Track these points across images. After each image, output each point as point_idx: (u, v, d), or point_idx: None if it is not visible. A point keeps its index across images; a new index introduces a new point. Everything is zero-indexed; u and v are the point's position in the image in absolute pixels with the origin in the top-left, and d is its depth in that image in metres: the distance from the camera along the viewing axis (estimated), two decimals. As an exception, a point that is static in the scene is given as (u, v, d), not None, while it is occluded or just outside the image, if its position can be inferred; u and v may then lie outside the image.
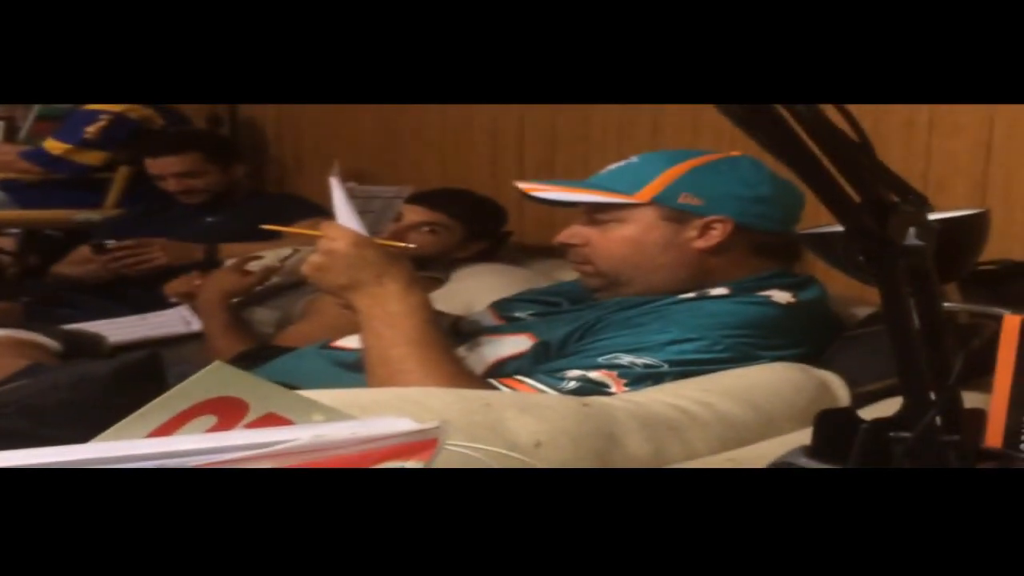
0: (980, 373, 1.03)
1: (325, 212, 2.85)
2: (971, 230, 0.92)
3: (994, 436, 0.98)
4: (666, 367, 1.46)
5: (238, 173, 3.28)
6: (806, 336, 1.59)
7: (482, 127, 3.03)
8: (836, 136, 0.68)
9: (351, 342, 1.70)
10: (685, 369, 1.46)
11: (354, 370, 1.61)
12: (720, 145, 2.08)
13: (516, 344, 1.63)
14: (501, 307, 1.85)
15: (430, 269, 2.38)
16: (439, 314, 1.70)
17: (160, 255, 2.95)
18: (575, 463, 1.18)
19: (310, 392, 0.91)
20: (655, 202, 1.61)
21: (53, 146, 3.73)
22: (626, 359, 1.46)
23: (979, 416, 0.91)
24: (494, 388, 1.44)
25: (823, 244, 1.14)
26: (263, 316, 2.53)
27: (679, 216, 1.61)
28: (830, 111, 0.70)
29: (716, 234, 1.61)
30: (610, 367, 1.45)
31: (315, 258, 1.56)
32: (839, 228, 0.86)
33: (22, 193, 3.78)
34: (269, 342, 2.30)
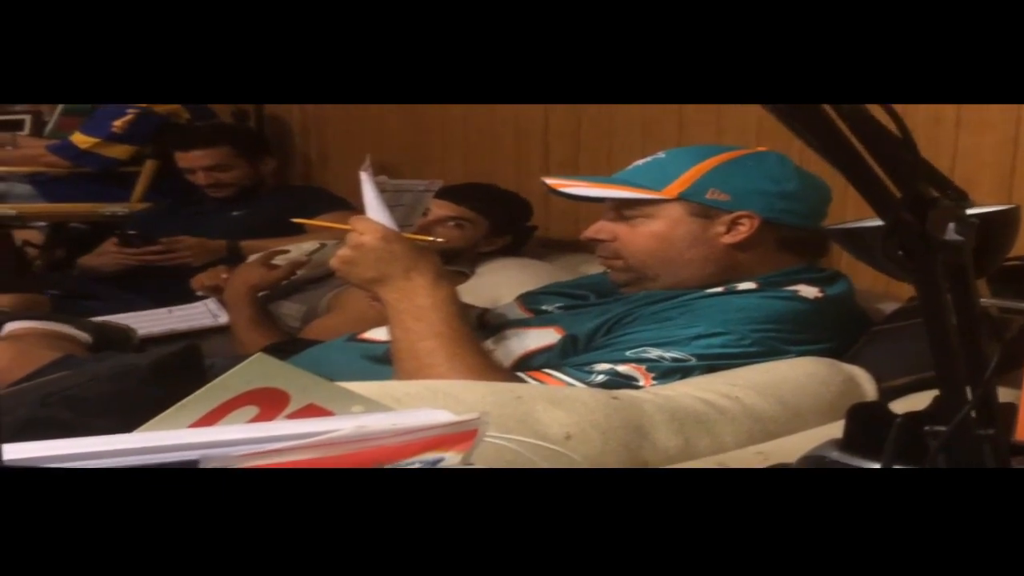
0: (1009, 368, 1.04)
1: (350, 205, 2.88)
2: (1004, 226, 0.92)
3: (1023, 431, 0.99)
4: (694, 361, 1.46)
5: (267, 167, 3.29)
6: (833, 331, 1.59)
7: (507, 122, 3.03)
8: (878, 131, 0.68)
9: (379, 334, 1.72)
10: (712, 363, 1.47)
11: (382, 362, 1.62)
12: (745, 142, 2.09)
13: (544, 337, 1.64)
14: (528, 300, 1.86)
15: (456, 263, 2.39)
16: (467, 307, 1.70)
17: (189, 254, 2.96)
18: (604, 455, 1.19)
19: (343, 384, 0.92)
20: (682, 198, 1.62)
21: (80, 140, 3.75)
22: (654, 353, 1.47)
23: (1011, 411, 0.92)
24: (522, 381, 1.45)
25: (854, 239, 1.14)
26: (289, 310, 2.54)
27: (706, 211, 1.62)
28: (872, 106, 0.70)
29: (743, 229, 1.61)
30: (638, 361, 1.46)
31: (344, 252, 1.57)
32: (871, 223, 0.87)
33: (49, 187, 3.81)
34: (295, 335, 2.32)
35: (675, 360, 1.46)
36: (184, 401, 0.80)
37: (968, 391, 0.74)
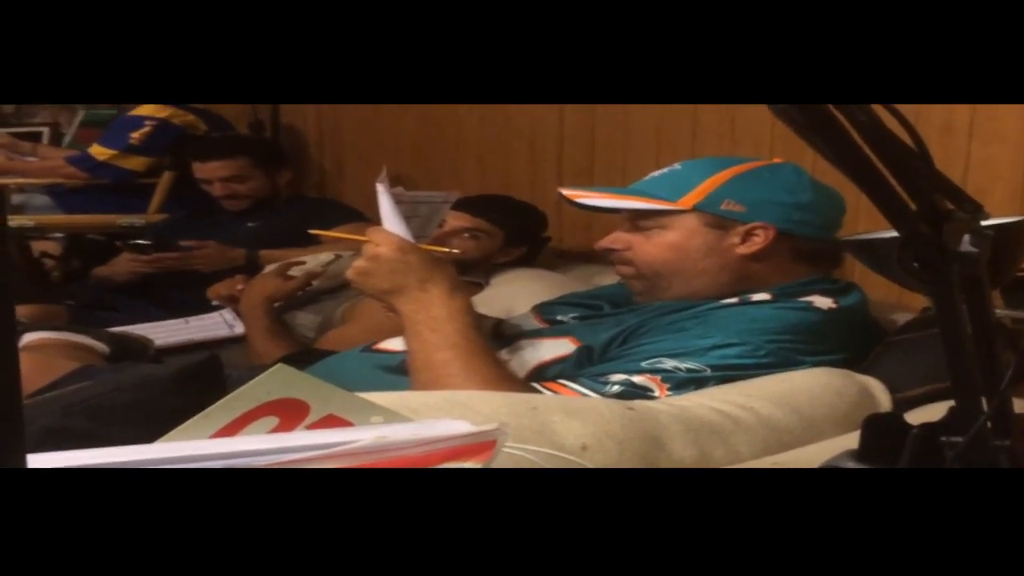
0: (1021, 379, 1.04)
1: (365, 217, 2.89)
2: (1017, 237, 0.93)
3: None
4: (709, 372, 1.47)
5: (283, 179, 3.30)
6: (847, 341, 1.59)
7: (521, 133, 3.04)
8: (893, 143, 0.69)
9: (394, 345, 1.72)
10: (728, 374, 1.48)
11: (398, 373, 1.63)
12: (759, 152, 2.10)
13: (558, 347, 1.65)
14: (543, 311, 1.87)
15: (471, 274, 2.40)
16: (482, 318, 1.71)
17: (204, 261, 2.98)
18: (620, 466, 1.20)
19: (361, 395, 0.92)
20: (697, 209, 1.62)
21: (98, 152, 3.78)
22: (669, 363, 1.47)
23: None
24: (537, 392, 1.46)
25: (869, 250, 1.15)
26: (304, 320, 2.55)
27: (721, 223, 1.62)
28: (888, 119, 0.71)
29: (758, 240, 1.62)
30: (653, 371, 1.46)
31: (360, 263, 1.58)
32: (886, 235, 0.88)
33: (67, 198, 3.84)
34: (311, 346, 2.33)
35: (690, 371, 1.47)
36: (206, 411, 0.81)
37: (984, 402, 0.75)
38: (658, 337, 1.54)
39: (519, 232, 2.54)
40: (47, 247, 3.57)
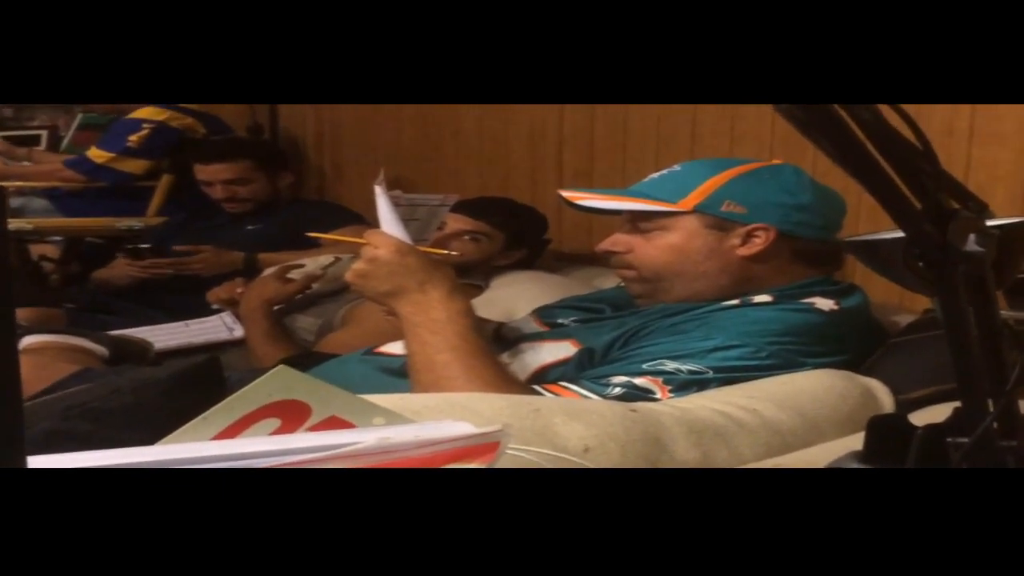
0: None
1: (364, 220, 2.89)
2: (1022, 238, 0.92)
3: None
4: (711, 373, 1.46)
5: (284, 182, 3.30)
6: (849, 343, 1.59)
7: (520, 136, 3.04)
8: (897, 141, 0.69)
9: (395, 348, 1.72)
10: (729, 376, 1.47)
11: (398, 376, 1.63)
12: (759, 153, 2.10)
13: (559, 350, 1.64)
14: (544, 313, 1.86)
15: (470, 277, 2.39)
16: (482, 320, 1.71)
17: (202, 266, 2.97)
18: (623, 467, 1.19)
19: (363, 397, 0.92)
20: (698, 210, 1.62)
21: (97, 155, 3.77)
22: (671, 365, 1.47)
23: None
24: (538, 394, 1.45)
25: (871, 251, 1.14)
26: (304, 323, 2.55)
27: (722, 224, 1.62)
28: (891, 117, 0.71)
29: (759, 242, 1.61)
30: (655, 373, 1.46)
31: (359, 265, 1.57)
32: (889, 235, 0.87)
33: (65, 201, 3.83)
34: (310, 349, 2.32)
35: (692, 372, 1.46)
36: (206, 414, 0.81)
37: (990, 402, 0.74)
38: (659, 339, 1.54)
39: (519, 235, 2.53)
40: (46, 250, 3.57)
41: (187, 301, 2.82)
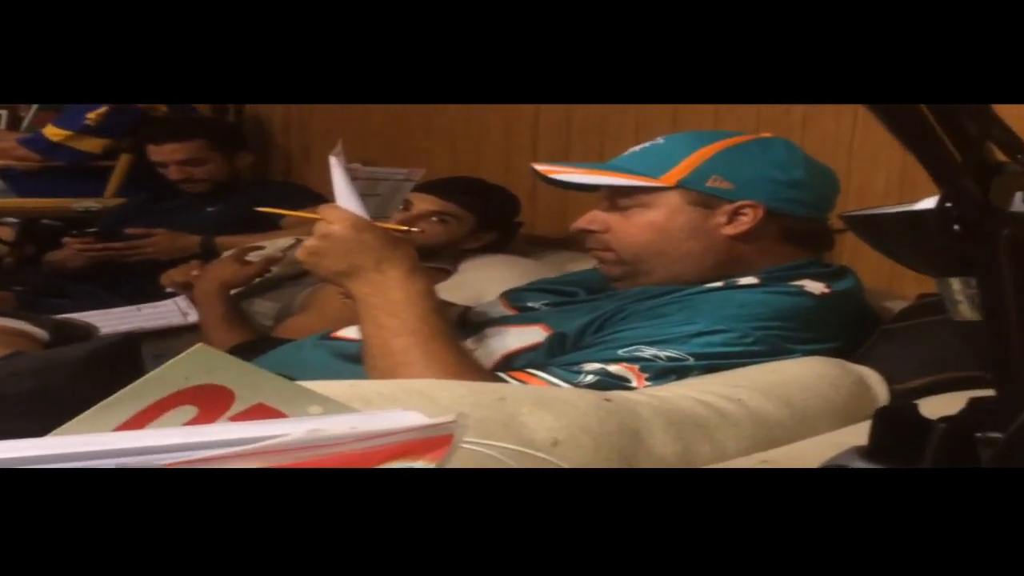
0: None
1: (329, 201, 2.77)
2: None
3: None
4: (692, 360, 1.36)
5: (242, 162, 3.22)
6: (841, 329, 1.49)
7: (496, 116, 2.93)
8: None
9: (352, 332, 1.61)
10: (712, 363, 1.37)
11: (356, 362, 1.51)
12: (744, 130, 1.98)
13: (529, 336, 1.53)
14: (513, 297, 1.75)
15: (438, 260, 2.28)
16: (446, 304, 1.60)
17: (154, 249, 2.88)
18: (596, 463, 1.08)
19: (307, 384, 0.80)
20: (681, 185, 1.51)
21: (52, 132, 3.64)
22: (648, 351, 1.36)
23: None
24: (504, 382, 1.34)
25: (874, 226, 1.03)
26: (263, 308, 2.44)
27: (707, 200, 1.51)
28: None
29: (746, 220, 1.50)
30: (631, 360, 1.35)
31: (311, 242, 1.47)
32: (896, 208, 0.77)
33: (20, 181, 3.70)
34: (268, 334, 2.21)
35: (671, 359, 1.35)
36: (111, 399, 0.69)
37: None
38: (637, 323, 1.43)
39: (491, 217, 2.42)
40: (-1, 232, 3.44)
41: (142, 284, 2.72)
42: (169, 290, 2.53)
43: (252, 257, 2.42)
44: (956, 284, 0.71)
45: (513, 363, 1.47)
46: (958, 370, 1.31)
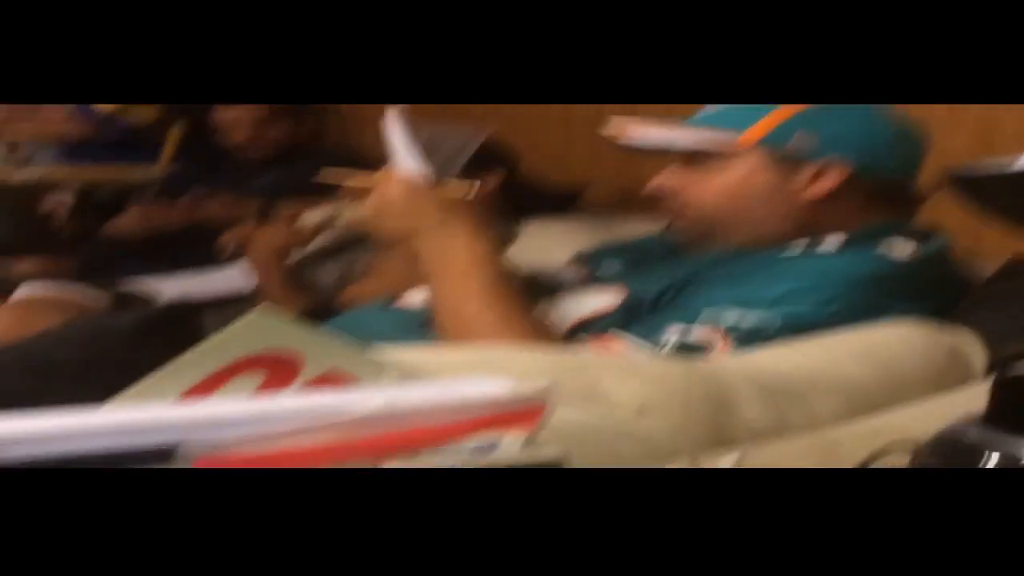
0: None
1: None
2: None
3: None
4: (778, 324, 1.29)
5: (307, 127, 3.16)
6: (931, 293, 1.41)
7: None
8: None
9: (416, 299, 1.55)
10: (797, 327, 1.29)
11: (424, 328, 1.46)
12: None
13: (603, 300, 1.47)
14: (584, 260, 1.69)
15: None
16: (514, 266, 1.54)
17: (214, 214, 2.85)
18: (684, 432, 1.02)
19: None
20: (762, 144, 1.43)
21: (103, 104, 3.62)
22: (731, 316, 1.29)
23: None
24: (581, 348, 1.28)
25: (978, 186, 0.95)
26: (325, 274, 2.39)
27: (789, 160, 1.43)
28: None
29: (830, 180, 1.43)
30: (713, 324, 1.29)
31: (373, 202, 1.43)
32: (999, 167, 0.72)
33: (74, 152, 3.69)
34: (330, 301, 2.16)
35: (755, 323, 1.29)
36: (173, 364, 0.64)
37: None
38: (717, 288, 1.37)
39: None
40: (56, 201, 3.44)
41: (204, 252, 2.68)
42: (229, 256, 2.50)
43: (304, 221, 2.38)
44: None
45: (588, 329, 1.41)
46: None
